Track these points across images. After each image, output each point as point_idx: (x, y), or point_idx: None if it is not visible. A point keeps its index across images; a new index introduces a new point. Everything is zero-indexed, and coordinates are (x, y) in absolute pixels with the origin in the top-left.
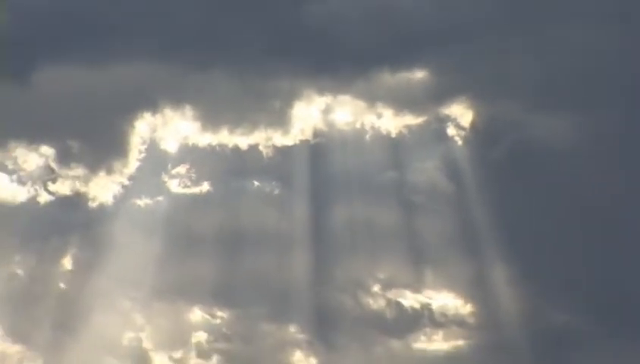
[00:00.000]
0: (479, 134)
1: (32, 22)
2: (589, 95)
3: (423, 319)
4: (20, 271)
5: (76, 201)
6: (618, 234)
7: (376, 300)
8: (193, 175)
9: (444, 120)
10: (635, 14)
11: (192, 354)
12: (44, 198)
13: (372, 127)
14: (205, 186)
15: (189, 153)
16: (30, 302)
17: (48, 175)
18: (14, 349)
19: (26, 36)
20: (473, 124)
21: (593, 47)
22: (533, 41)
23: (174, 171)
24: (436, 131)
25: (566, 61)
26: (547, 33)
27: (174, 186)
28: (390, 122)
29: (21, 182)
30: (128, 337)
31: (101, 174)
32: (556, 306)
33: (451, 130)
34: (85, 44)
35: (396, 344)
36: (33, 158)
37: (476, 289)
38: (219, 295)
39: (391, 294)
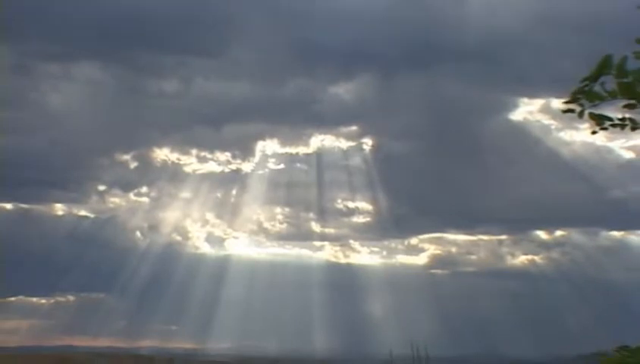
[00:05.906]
0: (375, 149)
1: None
2: (421, 133)
3: (356, 212)
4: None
5: (238, 170)
6: (436, 186)
7: (340, 205)
8: (278, 161)
9: (363, 143)
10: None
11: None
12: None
13: (338, 147)
14: (281, 166)
15: (276, 155)
16: (226, 203)
17: (234, 162)
18: None
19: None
20: (373, 146)
21: (427, 117)
22: (393, 114)
23: (271, 160)
24: (360, 148)
25: (410, 119)
26: (401, 111)
27: (271, 165)
28: (344, 144)
29: (217, 165)
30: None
31: (246, 162)
32: (408, 209)
33: (365, 147)
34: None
35: (346, 220)
36: (221, 156)
37: (375, 201)
38: (287, 205)
39: (345, 203)
